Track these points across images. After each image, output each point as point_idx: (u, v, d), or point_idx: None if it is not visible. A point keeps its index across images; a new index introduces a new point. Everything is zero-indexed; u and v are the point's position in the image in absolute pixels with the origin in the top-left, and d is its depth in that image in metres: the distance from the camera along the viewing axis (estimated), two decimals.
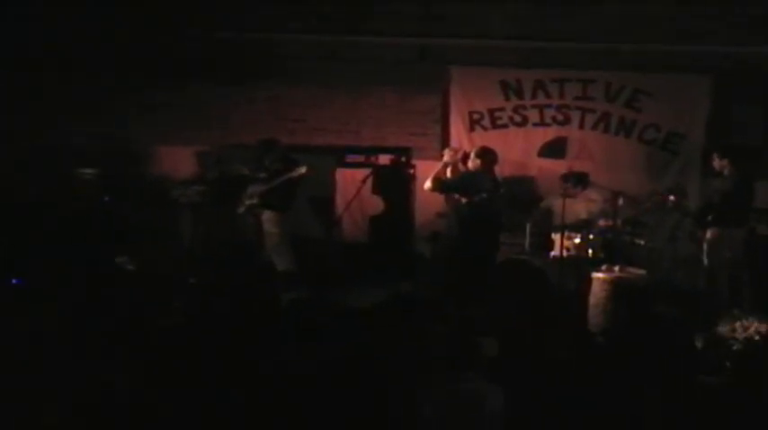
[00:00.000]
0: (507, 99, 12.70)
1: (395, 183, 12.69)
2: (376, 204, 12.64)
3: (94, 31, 12.86)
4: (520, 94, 12.67)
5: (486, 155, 10.68)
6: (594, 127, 12.51)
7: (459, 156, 11.02)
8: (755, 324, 7.78)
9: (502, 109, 12.74)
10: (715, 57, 12.03)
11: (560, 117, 12.60)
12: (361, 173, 12.20)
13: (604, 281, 9.45)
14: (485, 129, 12.77)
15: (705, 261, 10.17)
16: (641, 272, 9.83)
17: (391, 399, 5.92)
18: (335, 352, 6.47)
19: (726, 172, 10.12)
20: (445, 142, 12.88)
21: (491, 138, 12.34)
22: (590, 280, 9.66)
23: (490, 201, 10.42)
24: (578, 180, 11.56)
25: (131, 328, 7.51)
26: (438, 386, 5.61)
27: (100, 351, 6.87)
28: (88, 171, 12.55)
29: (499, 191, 10.55)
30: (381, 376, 6.20)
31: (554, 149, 12.64)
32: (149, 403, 6.16)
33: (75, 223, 11.81)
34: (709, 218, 9.98)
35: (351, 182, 12.42)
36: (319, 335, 6.84)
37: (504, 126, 12.76)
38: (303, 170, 11.32)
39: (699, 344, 7.84)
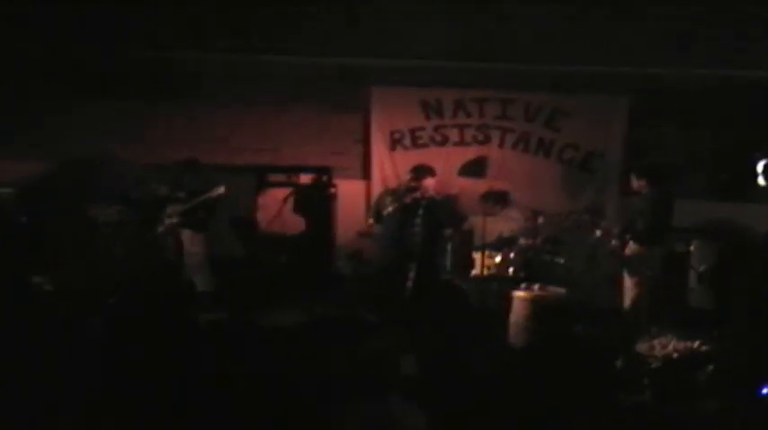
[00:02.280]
0: (428, 118, 12.75)
1: (316, 202, 12.67)
2: (297, 223, 12.59)
3: (15, 49, 12.69)
4: (440, 114, 12.73)
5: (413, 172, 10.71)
6: (514, 146, 12.62)
7: None
8: (674, 342, 7.87)
9: (422, 128, 12.78)
10: (632, 77, 12.18)
11: (480, 136, 12.68)
12: (283, 192, 12.17)
13: (524, 299, 9.50)
14: (405, 148, 12.79)
15: (624, 279, 10.26)
16: (561, 290, 9.91)
17: (306, 423, 5.87)
18: (253, 374, 6.41)
19: (644, 191, 10.23)
20: (367, 161, 12.91)
21: (412, 158, 12.31)
22: (510, 298, 9.71)
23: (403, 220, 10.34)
24: (498, 198, 11.64)
25: (49, 350, 7.39)
26: (349, 410, 5.51)
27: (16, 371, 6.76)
28: (4, 190, 12.35)
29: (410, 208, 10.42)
30: (298, 399, 6.16)
31: (474, 168, 12.70)
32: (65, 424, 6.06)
33: None
34: (628, 236, 10.07)
35: (272, 201, 12.36)
36: (237, 355, 6.77)
37: (425, 145, 12.80)
38: (222, 190, 11.26)
39: (618, 363, 7.89)
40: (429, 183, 10.45)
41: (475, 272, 11.02)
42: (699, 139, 12.06)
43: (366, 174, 12.98)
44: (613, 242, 10.35)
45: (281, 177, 12.74)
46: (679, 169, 11.49)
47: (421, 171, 10.55)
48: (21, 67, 12.87)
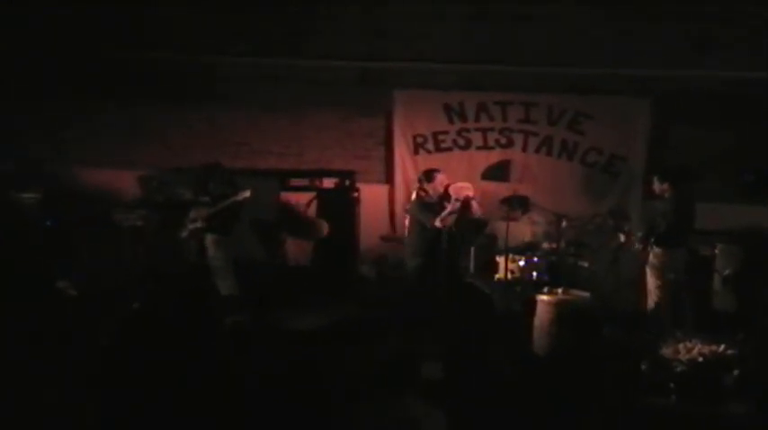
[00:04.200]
0: (451, 122, 12.71)
1: (339, 206, 12.67)
2: None
3: (35, 51, 12.75)
4: (463, 117, 12.68)
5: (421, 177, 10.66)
6: (537, 150, 12.55)
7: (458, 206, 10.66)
8: (698, 345, 7.83)
9: (446, 132, 12.74)
10: (654, 79, 12.12)
11: (503, 140, 12.63)
12: (306, 196, 12.18)
13: (548, 303, 9.47)
14: (429, 152, 12.77)
15: (648, 282, 10.22)
16: (585, 294, 9.86)
17: (324, 424, 5.88)
18: (275, 376, 6.43)
19: (667, 194, 10.19)
20: (389, 166, 12.90)
21: (435, 162, 12.27)
22: (534, 302, 9.68)
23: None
24: (519, 203, 11.60)
25: (72, 352, 7.44)
26: (370, 411, 5.49)
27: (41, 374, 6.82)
28: (29, 195, 12.41)
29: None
30: (319, 399, 6.17)
31: (497, 172, 12.66)
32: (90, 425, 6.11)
33: (16, 247, 11.67)
34: (652, 240, 10.03)
35: (295, 205, 12.39)
36: (259, 358, 6.79)
37: (449, 149, 12.76)
38: (247, 194, 11.24)
39: (643, 367, 7.87)
40: (439, 180, 10.39)
41: (498, 276, 11.01)
42: (722, 142, 11.94)
43: (389, 179, 12.97)
44: (637, 245, 10.31)
45: (304, 181, 12.75)
46: (702, 172, 11.43)
47: (428, 174, 10.50)
48: (42, 71, 12.96)
